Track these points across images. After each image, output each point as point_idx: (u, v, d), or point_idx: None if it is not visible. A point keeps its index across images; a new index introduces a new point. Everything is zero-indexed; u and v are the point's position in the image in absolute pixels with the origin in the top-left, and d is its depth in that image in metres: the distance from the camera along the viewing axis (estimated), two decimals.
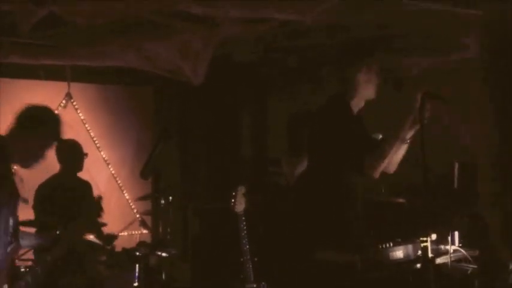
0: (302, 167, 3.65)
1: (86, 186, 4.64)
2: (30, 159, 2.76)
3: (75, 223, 3.14)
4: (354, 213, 2.81)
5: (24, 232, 3.05)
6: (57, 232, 3.48)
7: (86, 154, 4.60)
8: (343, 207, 2.78)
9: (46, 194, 4.35)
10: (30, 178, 4.53)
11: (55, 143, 2.85)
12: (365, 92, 2.84)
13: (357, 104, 2.86)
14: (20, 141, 2.70)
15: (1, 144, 2.65)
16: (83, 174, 4.70)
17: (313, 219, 2.80)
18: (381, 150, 2.68)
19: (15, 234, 2.72)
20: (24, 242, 2.92)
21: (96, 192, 4.84)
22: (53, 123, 2.83)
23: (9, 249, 2.66)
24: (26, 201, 3.41)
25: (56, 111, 5.16)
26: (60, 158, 4.55)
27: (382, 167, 2.68)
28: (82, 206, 4.42)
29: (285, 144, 3.99)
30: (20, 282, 2.75)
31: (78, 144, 4.61)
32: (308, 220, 2.82)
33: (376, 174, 2.68)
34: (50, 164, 4.68)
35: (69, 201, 4.29)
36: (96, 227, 4.18)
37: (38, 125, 2.75)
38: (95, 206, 3.16)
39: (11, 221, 2.66)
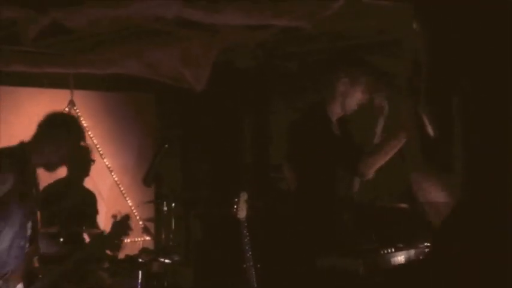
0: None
1: (91, 196, 4.67)
2: (54, 162, 2.82)
3: (100, 240, 3.20)
4: (351, 216, 2.82)
5: (45, 236, 3.09)
6: (61, 239, 3.49)
7: (94, 160, 4.63)
8: (341, 211, 2.80)
9: (50, 196, 4.36)
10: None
11: (78, 147, 2.92)
12: (341, 105, 2.87)
13: (336, 112, 2.89)
14: (46, 145, 2.77)
15: (20, 151, 2.70)
16: (86, 181, 4.72)
17: (313, 224, 2.81)
18: (380, 150, 2.68)
19: (34, 238, 2.77)
20: (45, 247, 2.96)
21: (99, 200, 4.87)
22: (75, 128, 2.91)
23: (25, 251, 2.70)
24: None
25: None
26: (67, 162, 4.57)
27: (377, 166, 2.69)
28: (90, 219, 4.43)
29: (286, 150, 4.00)
30: None
31: (88, 149, 4.64)
32: (309, 226, 2.83)
33: (370, 174, 2.70)
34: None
35: (72, 206, 4.31)
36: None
37: (63, 130, 2.83)
38: (120, 224, 3.21)
39: (29, 225, 2.71)
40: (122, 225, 3.25)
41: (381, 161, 2.69)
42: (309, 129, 2.85)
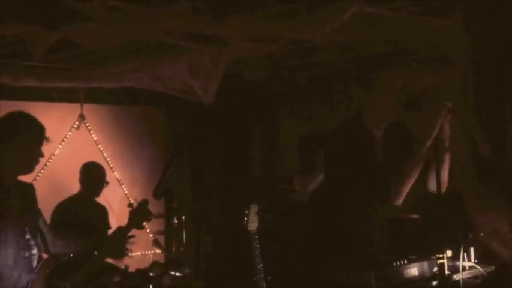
0: (314, 184, 3.64)
1: (102, 211, 4.69)
2: (27, 164, 2.78)
3: (120, 232, 3.16)
4: (370, 232, 2.76)
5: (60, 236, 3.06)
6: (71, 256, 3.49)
7: (107, 182, 4.66)
8: (360, 228, 2.73)
9: (63, 213, 4.39)
10: (50, 196, 4.61)
11: (42, 141, 2.87)
12: (379, 114, 2.66)
13: (374, 126, 2.70)
14: (10, 152, 2.73)
15: None
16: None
17: (327, 237, 2.78)
18: (405, 176, 2.61)
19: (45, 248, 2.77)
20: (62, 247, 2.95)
21: (110, 213, 4.88)
22: (30, 128, 2.83)
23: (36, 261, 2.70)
24: None
25: (69, 132, 5.25)
26: (82, 179, 4.62)
27: (405, 193, 2.63)
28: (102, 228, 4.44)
29: (297, 163, 3.99)
30: None
31: (103, 169, 4.68)
32: (322, 238, 2.80)
33: (400, 202, 2.64)
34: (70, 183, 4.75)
35: (84, 223, 4.33)
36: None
37: (14, 133, 2.74)
38: (138, 212, 3.15)
39: (29, 236, 2.72)
40: (140, 211, 3.17)
41: (408, 186, 2.62)
42: (349, 143, 2.64)
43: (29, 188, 2.90)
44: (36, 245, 2.78)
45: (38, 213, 2.90)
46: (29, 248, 2.72)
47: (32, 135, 2.81)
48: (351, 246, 2.70)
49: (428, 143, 2.55)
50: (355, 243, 2.70)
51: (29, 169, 2.84)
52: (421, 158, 2.60)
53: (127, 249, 4.06)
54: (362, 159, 2.62)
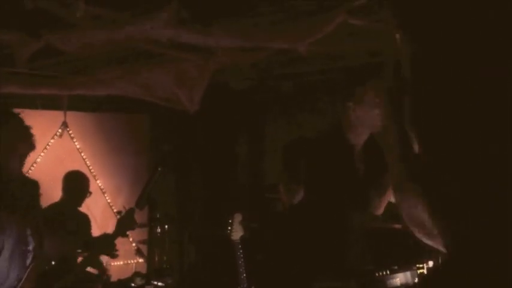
0: (301, 194, 3.64)
1: (85, 219, 4.65)
2: (15, 161, 2.76)
3: (106, 238, 3.15)
4: (351, 242, 2.78)
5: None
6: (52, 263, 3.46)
7: (90, 193, 4.62)
8: (341, 238, 2.75)
9: (48, 218, 4.34)
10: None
11: (23, 137, 2.84)
12: (362, 125, 2.64)
13: (356, 138, 2.69)
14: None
15: None
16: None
17: (309, 247, 2.78)
18: (385, 187, 2.63)
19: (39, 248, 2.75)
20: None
21: (93, 222, 4.83)
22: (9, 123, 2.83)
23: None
24: None
25: (52, 140, 5.20)
26: (64, 188, 4.58)
27: (386, 203, 2.65)
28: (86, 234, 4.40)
29: (282, 172, 3.99)
30: None
31: (87, 179, 4.64)
32: (304, 248, 2.81)
33: (380, 212, 2.66)
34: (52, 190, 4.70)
35: (66, 231, 4.28)
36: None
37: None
38: (124, 219, 3.16)
39: (28, 232, 2.69)
40: (127, 219, 3.20)
41: (389, 197, 2.62)
42: (329, 153, 2.65)
43: (34, 184, 2.88)
44: (33, 241, 2.75)
45: (40, 210, 2.88)
46: (26, 243, 2.69)
47: (12, 128, 2.79)
48: (330, 256, 2.71)
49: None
50: (334, 254, 2.72)
51: (17, 171, 2.80)
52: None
53: (115, 254, 4.04)
54: (341, 169, 2.64)
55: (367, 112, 2.61)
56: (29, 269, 2.66)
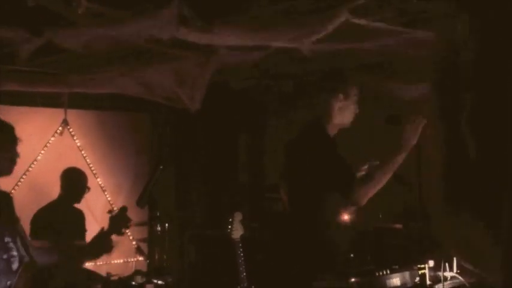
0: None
1: (79, 214, 4.65)
2: (3, 166, 2.75)
3: (99, 237, 3.15)
4: (344, 238, 2.81)
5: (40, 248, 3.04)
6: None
7: (89, 188, 4.63)
8: (333, 233, 2.78)
9: (41, 221, 4.34)
10: (32, 201, 4.56)
11: (14, 141, 2.84)
12: (340, 118, 2.88)
13: (332, 130, 2.90)
14: None
15: None
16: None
17: (307, 246, 2.79)
18: (375, 178, 2.67)
19: (26, 252, 2.74)
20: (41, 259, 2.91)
21: (92, 220, 4.83)
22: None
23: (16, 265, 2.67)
24: None
25: (52, 138, 5.20)
26: (62, 185, 4.57)
27: (370, 195, 2.69)
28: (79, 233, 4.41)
29: (282, 171, 3.99)
30: None
31: (84, 175, 4.64)
32: (303, 247, 2.82)
33: (363, 203, 2.69)
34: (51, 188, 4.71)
35: (61, 229, 4.29)
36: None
37: None
38: (117, 218, 3.17)
39: (9, 239, 2.68)
40: (120, 218, 3.20)
41: (374, 189, 2.67)
42: (308, 147, 2.84)
43: (6, 197, 2.86)
44: (16, 247, 2.74)
45: (17, 220, 2.87)
46: (8, 250, 2.68)
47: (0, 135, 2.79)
48: (323, 254, 2.73)
49: (403, 154, 2.63)
50: (326, 251, 2.74)
51: (6, 171, 2.79)
52: (392, 166, 2.66)
53: (110, 250, 4.04)
54: (326, 159, 2.74)
55: (348, 106, 2.86)
56: (17, 274, 2.67)
